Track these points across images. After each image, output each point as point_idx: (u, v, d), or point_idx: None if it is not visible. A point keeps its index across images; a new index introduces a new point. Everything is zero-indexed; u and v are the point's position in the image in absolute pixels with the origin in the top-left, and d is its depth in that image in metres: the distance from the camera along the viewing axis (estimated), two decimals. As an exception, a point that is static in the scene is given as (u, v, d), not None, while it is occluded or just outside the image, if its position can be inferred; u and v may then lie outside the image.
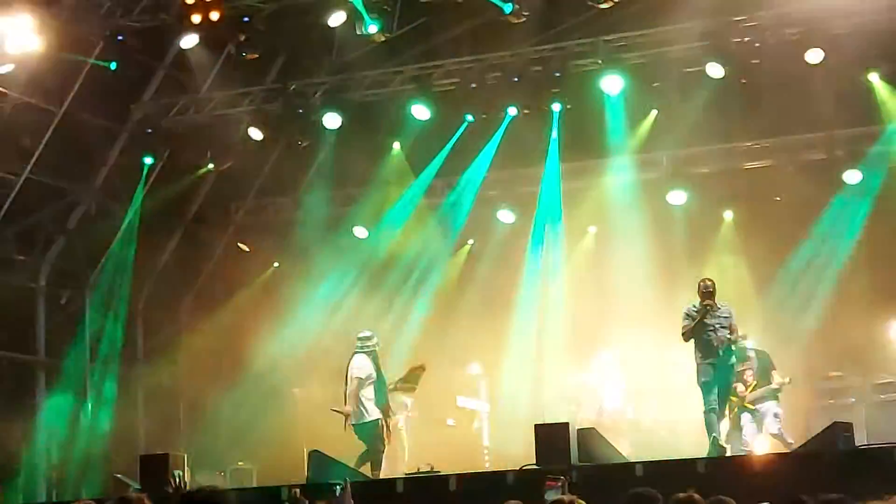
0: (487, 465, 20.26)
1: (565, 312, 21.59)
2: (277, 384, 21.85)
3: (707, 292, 16.11)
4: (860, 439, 16.10)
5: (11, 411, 20.33)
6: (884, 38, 18.77)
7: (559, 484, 7.96)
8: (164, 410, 21.44)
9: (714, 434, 15.89)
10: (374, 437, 17.18)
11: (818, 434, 16.18)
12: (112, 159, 21.96)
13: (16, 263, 21.26)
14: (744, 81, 19.27)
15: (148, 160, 21.99)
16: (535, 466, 14.85)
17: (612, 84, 19.96)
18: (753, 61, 19.38)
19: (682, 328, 16.20)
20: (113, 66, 20.18)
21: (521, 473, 15.32)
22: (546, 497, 7.88)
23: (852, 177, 20.71)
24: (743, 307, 20.52)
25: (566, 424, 15.79)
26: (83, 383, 21.77)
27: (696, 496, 8.33)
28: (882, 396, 18.32)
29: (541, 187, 21.84)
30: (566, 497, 5.94)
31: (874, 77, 19.48)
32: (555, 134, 21.17)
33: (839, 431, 15.81)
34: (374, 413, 17.34)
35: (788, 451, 16.86)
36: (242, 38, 20.02)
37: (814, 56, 18.95)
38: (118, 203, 22.14)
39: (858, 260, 20.29)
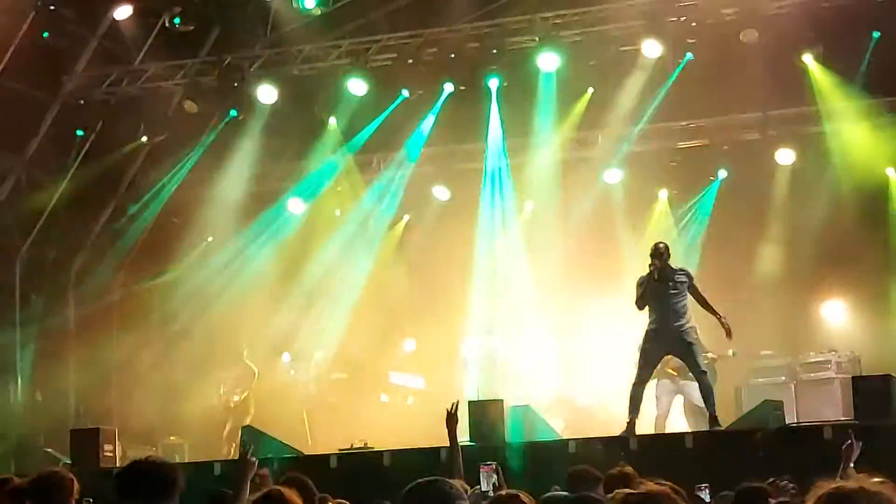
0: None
1: (502, 289, 21.63)
2: (210, 359, 21.74)
3: (654, 255, 15.64)
4: (790, 418, 16.27)
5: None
6: (818, 19, 18.93)
7: (492, 469, 7.94)
8: (95, 384, 21.26)
9: (631, 414, 15.53)
10: None
11: (749, 412, 16.34)
12: (43, 130, 21.70)
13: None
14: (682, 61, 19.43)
15: (80, 132, 21.77)
16: (469, 443, 14.88)
17: (548, 61, 19.97)
18: (689, 41, 19.53)
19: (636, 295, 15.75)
20: (45, 35, 19.95)
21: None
22: (481, 483, 7.87)
23: (785, 157, 20.89)
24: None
25: (500, 401, 15.85)
26: (13, 357, 21.54)
27: (630, 470, 8.43)
28: (812, 375, 18.50)
29: (485, 163, 21.86)
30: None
31: (808, 58, 19.63)
32: (494, 110, 21.17)
33: (769, 410, 15.97)
34: None
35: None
36: (177, 9, 19.87)
37: (748, 37, 19.08)
38: (49, 175, 21.90)
39: (790, 238, 20.47)
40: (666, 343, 15.69)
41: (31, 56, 20.15)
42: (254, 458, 8.19)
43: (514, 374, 20.81)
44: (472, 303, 21.50)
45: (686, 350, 15.57)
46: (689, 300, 15.70)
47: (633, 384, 15.68)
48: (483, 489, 7.95)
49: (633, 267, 21.15)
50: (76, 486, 7.57)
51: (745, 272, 20.37)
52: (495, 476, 8.03)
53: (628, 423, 15.42)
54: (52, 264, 22.37)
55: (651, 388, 17.37)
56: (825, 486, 2.91)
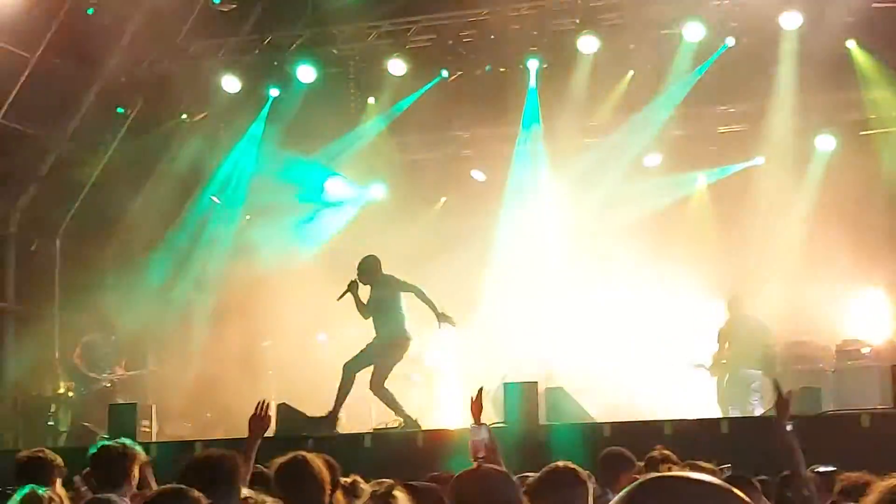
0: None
1: (538, 272, 21.58)
2: (247, 337, 21.80)
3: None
4: (827, 405, 16.18)
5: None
6: (863, 4, 18.80)
7: (481, 429, 7.92)
8: (133, 360, 21.36)
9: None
10: None
11: (785, 399, 16.24)
12: (86, 107, 21.80)
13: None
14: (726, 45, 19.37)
15: (120, 109, 21.86)
16: (502, 425, 14.89)
17: (588, 44, 19.91)
18: (732, 24, 19.43)
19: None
20: (90, 11, 20.04)
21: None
22: (472, 439, 7.83)
23: (825, 143, 20.80)
24: (713, 272, 20.61)
25: (534, 384, 15.84)
26: (53, 331, 21.70)
27: (672, 455, 8.44)
28: (850, 362, 18.37)
29: (517, 145, 21.82)
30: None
31: (851, 44, 19.50)
32: (533, 91, 21.13)
33: (807, 396, 15.90)
34: None
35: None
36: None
37: (792, 20, 18.98)
38: (91, 151, 22.02)
39: (828, 225, 20.33)
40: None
41: (76, 33, 20.24)
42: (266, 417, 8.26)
43: (546, 358, 20.81)
44: (502, 285, 21.47)
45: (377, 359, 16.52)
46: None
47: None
48: (479, 441, 7.89)
49: (670, 253, 21.16)
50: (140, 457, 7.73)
51: (783, 258, 20.24)
52: (485, 433, 7.96)
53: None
54: (92, 240, 22.51)
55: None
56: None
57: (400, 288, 16.43)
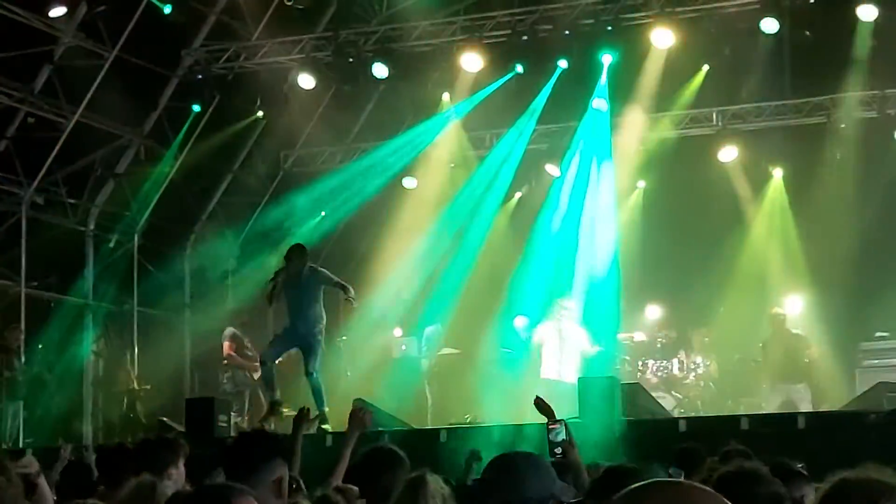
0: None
1: (613, 267, 21.53)
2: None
3: (286, 257, 16.49)
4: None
5: (59, 353, 20.52)
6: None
7: (559, 426, 7.92)
8: (211, 356, 21.57)
9: (269, 393, 16.51)
10: None
11: (863, 394, 16.16)
12: (162, 104, 22.02)
13: (66, 206, 21.39)
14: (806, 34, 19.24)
15: (196, 106, 22.04)
16: (577, 419, 14.88)
17: (662, 38, 19.81)
18: (807, 17, 19.26)
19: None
20: (167, 9, 20.23)
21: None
22: (551, 437, 7.83)
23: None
24: (790, 266, 20.50)
25: (610, 378, 15.82)
26: (131, 327, 21.94)
27: (745, 449, 8.42)
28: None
29: (587, 139, 21.84)
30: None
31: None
32: (605, 85, 21.10)
33: (884, 391, 15.78)
34: None
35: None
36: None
37: (867, 13, 18.79)
38: (167, 148, 22.23)
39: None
40: (293, 340, 16.45)
41: (152, 31, 20.44)
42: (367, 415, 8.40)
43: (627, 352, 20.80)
44: (582, 279, 21.46)
45: (308, 348, 16.24)
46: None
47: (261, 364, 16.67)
48: (558, 439, 7.89)
49: (746, 246, 21.07)
50: (184, 450, 7.82)
51: (860, 253, 20.06)
52: (563, 431, 7.96)
53: (269, 403, 16.36)
54: (169, 236, 22.74)
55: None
56: None
57: (324, 278, 16.39)
